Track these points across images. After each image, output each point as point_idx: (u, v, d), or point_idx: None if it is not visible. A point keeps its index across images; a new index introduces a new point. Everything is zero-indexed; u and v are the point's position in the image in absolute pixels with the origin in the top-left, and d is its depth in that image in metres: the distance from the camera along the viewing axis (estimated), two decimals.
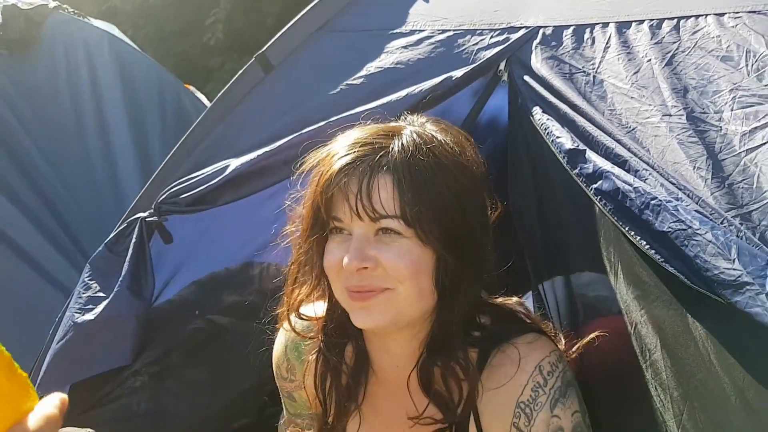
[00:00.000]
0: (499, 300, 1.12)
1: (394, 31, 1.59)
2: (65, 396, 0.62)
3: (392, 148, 0.97)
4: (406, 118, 1.09)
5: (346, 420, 1.07)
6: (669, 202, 1.01)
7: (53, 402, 0.62)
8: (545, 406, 0.99)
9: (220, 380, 1.50)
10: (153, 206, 1.56)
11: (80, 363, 1.50)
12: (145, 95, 3.21)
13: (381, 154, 0.97)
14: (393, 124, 1.07)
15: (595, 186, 1.12)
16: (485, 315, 1.06)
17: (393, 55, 1.55)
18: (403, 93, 1.42)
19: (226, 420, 1.51)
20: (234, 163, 1.48)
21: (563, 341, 1.14)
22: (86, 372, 1.50)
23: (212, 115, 1.67)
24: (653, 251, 1.00)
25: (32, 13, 3.17)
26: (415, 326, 1.03)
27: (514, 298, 1.14)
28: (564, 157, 1.18)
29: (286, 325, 1.09)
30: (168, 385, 1.51)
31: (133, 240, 1.53)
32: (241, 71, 1.67)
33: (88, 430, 1.44)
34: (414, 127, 1.03)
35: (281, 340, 1.19)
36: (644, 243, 1.02)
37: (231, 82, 1.67)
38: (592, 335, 1.13)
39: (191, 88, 3.67)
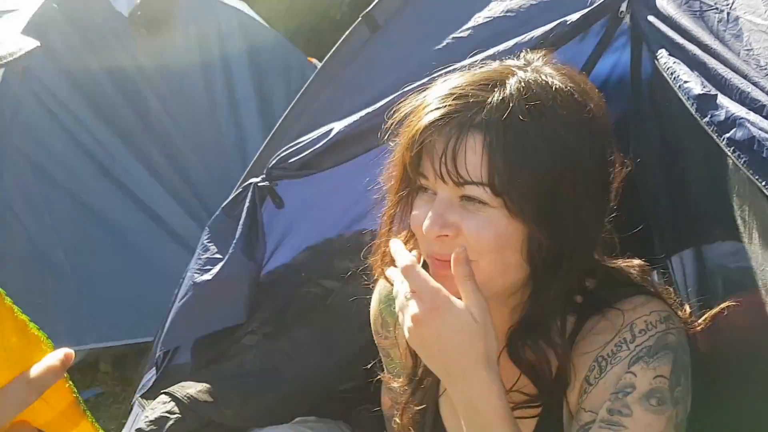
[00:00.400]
0: (618, 262, 1.01)
1: None
2: (71, 351, 0.64)
3: (490, 103, 0.86)
4: (523, 58, 0.96)
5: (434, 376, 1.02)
6: None
7: (57, 355, 0.64)
8: (624, 361, 0.89)
9: (328, 343, 1.52)
10: (264, 171, 1.59)
11: (199, 321, 1.58)
12: (271, 68, 3.32)
13: (475, 110, 0.86)
14: (502, 67, 0.93)
15: (727, 135, 0.98)
16: (594, 278, 0.96)
17: (503, 3, 1.45)
18: (511, 42, 1.31)
19: (334, 381, 1.53)
20: (337, 127, 1.47)
21: (688, 310, 1.00)
22: (204, 329, 1.58)
23: (319, 79, 1.66)
24: None
25: None
26: (502, 298, 0.95)
27: (636, 261, 1.01)
28: (693, 104, 1.05)
29: (381, 280, 1.06)
30: (280, 345, 1.55)
31: (246, 204, 1.58)
32: (347, 32, 1.64)
33: (205, 384, 1.52)
34: (526, 74, 0.89)
35: (376, 295, 1.16)
36: None
37: (337, 44, 1.64)
38: (724, 305, 0.99)
39: (314, 61, 3.74)
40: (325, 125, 1.54)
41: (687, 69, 1.09)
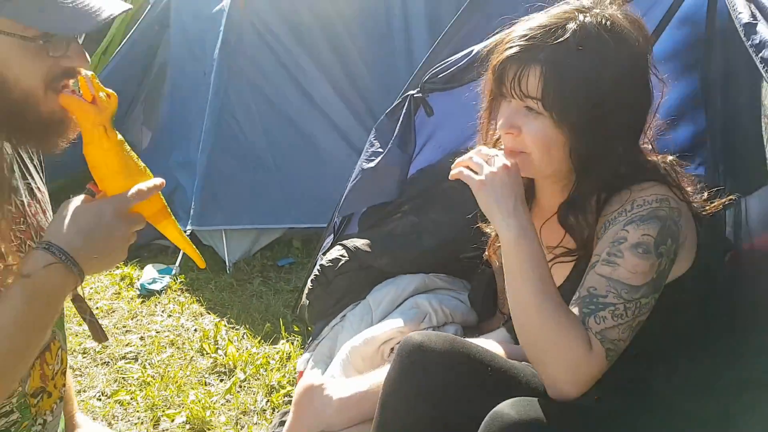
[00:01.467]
0: (655, 157, 1.32)
1: None
2: (162, 180, 1.08)
3: (547, 43, 1.19)
4: (589, 1, 1.27)
5: None
6: None
7: (156, 180, 1.08)
8: (620, 222, 1.21)
9: (453, 220, 1.95)
10: (419, 85, 2.05)
11: (365, 196, 2.11)
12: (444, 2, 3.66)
13: (538, 48, 1.20)
14: (570, 11, 1.24)
15: (761, 55, 1.24)
16: (629, 165, 1.28)
17: None
18: None
19: (458, 248, 1.97)
20: (476, 48, 1.86)
21: (704, 197, 1.31)
22: (368, 202, 2.12)
23: (469, 8, 2.05)
24: None
25: None
26: (553, 180, 1.32)
27: (670, 157, 1.32)
28: (742, 30, 1.30)
29: None
30: (420, 219, 2.04)
31: (404, 111, 2.05)
32: None
33: (366, 240, 2.06)
34: (585, 18, 1.21)
35: None
36: None
37: None
38: (731, 197, 1.29)
39: None
40: (469, 48, 1.94)
41: (745, 2, 1.34)
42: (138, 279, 3.04)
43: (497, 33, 1.76)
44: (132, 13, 4.83)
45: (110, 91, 1.08)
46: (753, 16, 1.31)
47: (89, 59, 1.08)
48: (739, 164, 1.62)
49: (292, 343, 2.46)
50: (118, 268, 3.15)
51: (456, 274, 2.04)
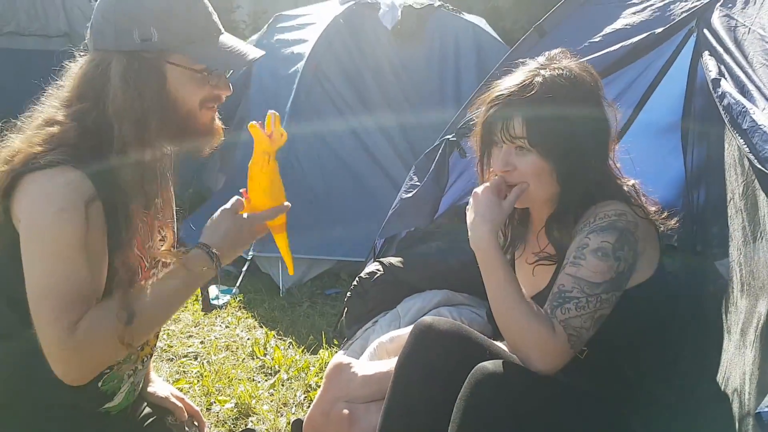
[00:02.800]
0: (619, 180, 1.57)
1: (630, 2, 2.10)
2: (289, 204, 1.45)
3: (522, 97, 1.48)
4: (546, 57, 1.57)
5: (510, 244, 1.71)
6: (751, 109, 1.41)
7: (287, 203, 1.46)
8: (584, 231, 1.45)
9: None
10: (455, 131, 2.40)
11: (403, 222, 2.45)
12: (491, 64, 4.07)
13: (517, 103, 1.49)
14: (533, 70, 1.53)
15: (722, 104, 1.54)
16: (599, 186, 1.53)
17: (624, 19, 2.07)
18: (617, 45, 1.95)
19: (478, 271, 2.25)
20: None
21: (662, 215, 1.57)
22: (406, 227, 2.45)
23: (499, 72, 2.41)
24: (743, 143, 1.41)
25: (423, 11, 4.32)
26: (545, 201, 1.57)
27: (631, 181, 1.58)
28: (711, 84, 1.61)
29: None
30: (447, 243, 2.35)
31: (440, 151, 2.40)
32: (521, 39, 2.38)
33: (400, 258, 2.37)
34: (545, 71, 1.50)
35: None
36: (739, 137, 1.42)
37: (511, 48, 2.38)
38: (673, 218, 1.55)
39: None
40: None
41: (715, 63, 1.65)
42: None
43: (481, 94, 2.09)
44: None
45: (284, 131, 1.43)
46: (720, 73, 1.62)
47: (231, 89, 1.43)
48: (709, 230, 1.85)
49: (331, 353, 2.76)
50: None
51: (477, 293, 2.31)
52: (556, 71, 1.52)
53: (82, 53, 1.39)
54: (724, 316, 1.53)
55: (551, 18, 2.35)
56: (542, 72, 1.52)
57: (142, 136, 1.32)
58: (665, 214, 1.58)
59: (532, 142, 1.49)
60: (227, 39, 1.42)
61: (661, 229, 1.56)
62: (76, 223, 1.24)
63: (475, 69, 4.11)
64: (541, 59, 1.58)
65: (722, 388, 1.50)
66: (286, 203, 1.46)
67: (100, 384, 1.42)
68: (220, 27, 1.43)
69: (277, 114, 1.43)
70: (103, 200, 1.28)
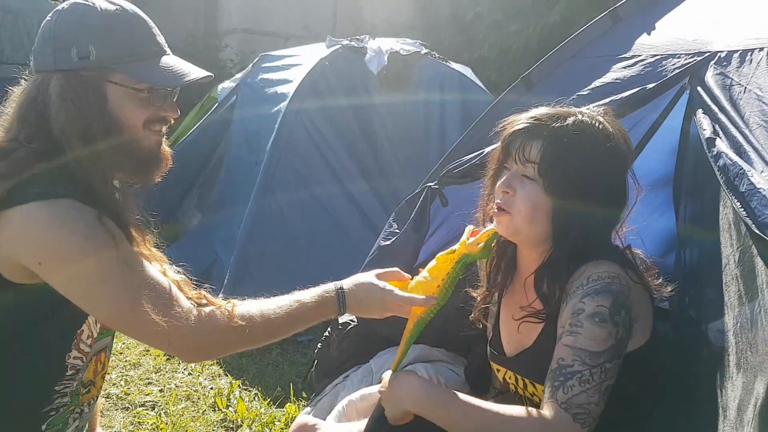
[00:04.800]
0: (615, 244, 1.49)
1: (620, 56, 2.06)
2: (430, 300, 1.45)
3: (551, 126, 1.42)
4: (588, 108, 1.53)
5: (496, 290, 1.62)
6: (749, 171, 1.34)
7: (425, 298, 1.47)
8: (578, 295, 1.35)
9: (455, 302, 2.11)
10: (437, 178, 2.32)
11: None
12: (476, 113, 4.05)
13: (542, 128, 1.43)
14: (571, 109, 1.49)
15: (718, 164, 1.47)
16: (597, 244, 1.44)
17: (614, 73, 2.02)
18: (607, 99, 1.89)
19: (457, 327, 2.10)
20: (486, 150, 2.14)
21: (658, 281, 1.47)
22: None
23: (483, 120, 2.35)
24: (740, 206, 1.33)
25: (410, 57, 4.31)
26: (532, 244, 1.47)
27: (638, 251, 1.51)
28: (705, 143, 1.55)
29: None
30: None
31: (421, 199, 2.31)
32: (507, 89, 2.32)
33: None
34: (582, 116, 1.46)
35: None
36: (735, 200, 1.35)
37: (498, 98, 2.33)
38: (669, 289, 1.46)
39: None
40: (481, 149, 2.22)
41: (709, 121, 1.59)
42: None
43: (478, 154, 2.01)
44: (202, 110, 5.41)
45: (482, 246, 1.47)
46: (715, 132, 1.55)
47: (178, 111, 1.40)
48: (702, 293, 1.77)
49: (299, 407, 2.60)
50: None
51: (455, 349, 2.19)
52: (595, 120, 1.45)
53: (26, 78, 1.35)
54: (718, 391, 1.42)
55: (539, 69, 2.31)
56: (579, 113, 1.46)
57: (93, 153, 1.27)
58: (660, 279, 1.48)
59: (541, 171, 1.41)
60: (171, 60, 1.38)
61: (656, 296, 1.47)
62: (107, 242, 1.22)
63: (460, 117, 4.08)
64: (581, 108, 1.53)
65: None
66: (430, 299, 1.47)
67: (44, 427, 1.35)
68: (165, 46, 1.39)
69: (498, 233, 1.47)
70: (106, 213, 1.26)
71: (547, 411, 1.31)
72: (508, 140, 1.48)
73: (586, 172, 1.42)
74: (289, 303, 1.43)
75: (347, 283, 1.53)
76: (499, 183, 1.48)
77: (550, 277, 1.45)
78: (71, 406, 1.39)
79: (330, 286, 1.51)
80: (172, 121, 1.40)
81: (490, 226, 1.51)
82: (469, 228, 1.52)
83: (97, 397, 1.50)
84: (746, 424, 1.27)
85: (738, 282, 1.41)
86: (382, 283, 1.51)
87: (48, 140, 1.28)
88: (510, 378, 1.58)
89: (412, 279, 1.55)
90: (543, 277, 1.47)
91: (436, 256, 1.53)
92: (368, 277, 1.54)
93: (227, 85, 4.77)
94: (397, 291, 1.49)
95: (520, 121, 1.49)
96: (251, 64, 4.57)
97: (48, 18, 1.33)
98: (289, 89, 3.88)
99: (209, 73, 1.41)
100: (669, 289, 1.48)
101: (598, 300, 1.34)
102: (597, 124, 1.45)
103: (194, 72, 1.38)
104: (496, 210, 1.48)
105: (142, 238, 1.38)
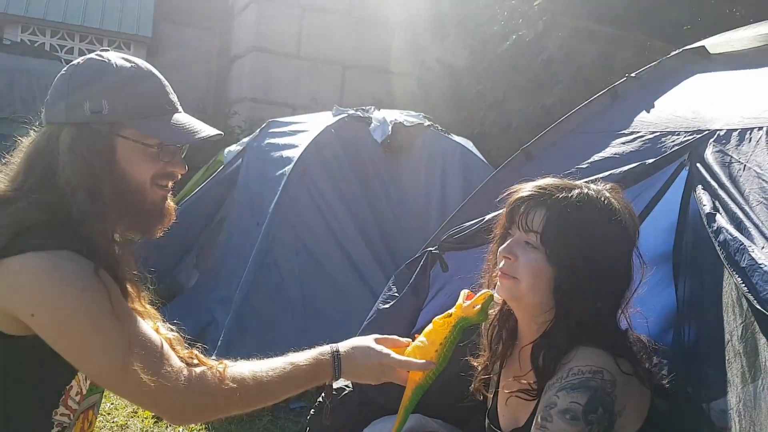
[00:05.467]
0: (616, 331, 1.42)
1: (620, 132, 2.10)
2: (428, 365, 1.44)
3: (556, 196, 1.41)
4: (595, 182, 1.49)
5: (497, 360, 1.58)
6: (749, 246, 1.35)
7: (422, 363, 1.45)
8: (554, 388, 1.32)
9: (453, 370, 2.07)
10: (438, 244, 2.33)
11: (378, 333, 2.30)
12: (476, 184, 4.10)
13: (546, 197, 1.41)
14: (576, 182, 1.48)
15: (718, 239, 1.47)
16: (597, 325, 1.38)
17: (613, 148, 2.06)
18: (606, 173, 1.92)
19: (455, 397, 2.05)
20: (487, 216, 2.16)
21: (653, 370, 1.43)
22: None
23: (484, 189, 2.39)
24: (741, 282, 1.33)
25: (413, 129, 4.42)
26: (532, 314, 1.44)
27: (644, 337, 1.47)
28: (705, 219, 1.56)
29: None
30: None
31: (421, 263, 2.31)
32: (508, 160, 2.37)
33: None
34: (588, 189, 1.42)
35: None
36: (736, 276, 1.35)
37: (498, 168, 2.37)
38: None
39: None
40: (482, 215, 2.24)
41: (709, 197, 1.61)
42: None
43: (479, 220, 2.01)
44: (208, 171, 5.49)
45: (478, 309, 1.45)
46: (715, 208, 1.57)
47: (186, 167, 1.41)
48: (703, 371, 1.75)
49: None
50: None
51: (453, 421, 2.13)
52: (601, 195, 1.43)
53: (35, 129, 1.37)
54: None
55: (538, 142, 2.36)
56: (586, 187, 1.45)
57: (98, 206, 1.27)
58: (656, 365, 1.45)
59: (544, 240, 1.39)
60: (182, 117, 1.39)
61: (648, 387, 1.41)
62: (102, 296, 1.21)
63: (461, 186, 4.14)
64: (585, 182, 1.51)
65: None
66: (428, 365, 1.45)
67: None
68: (177, 104, 1.41)
69: (493, 296, 1.46)
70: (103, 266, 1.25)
71: None
72: (512, 207, 1.47)
73: (587, 245, 1.38)
74: (283, 365, 1.39)
75: (344, 346, 1.51)
76: (501, 248, 1.46)
77: (548, 349, 1.40)
78: None
79: (326, 349, 1.48)
80: (179, 177, 1.41)
81: (485, 290, 1.50)
82: (464, 292, 1.51)
83: None
84: None
85: (741, 359, 1.40)
86: (379, 347, 1.48)
87: (52, 191, 1.28)
88: None
89: (409, 345, 1.53)
90: (540, 349, 1.42)
91: (433, 320, 1.52)
92: (366, 341, 1.52)
93: (234, 148, 4.87)
94: (394, 355, 1.47)
95: (525, 189, 1.48)
96: (259, 129, 4.68)
97: (63, 71, 1.35)
98: (294, 153, 3.95)
99: (220, 132, 1.43)
100: (665, 382, 1.44)
101: (572, 396, 1.29)
102: (602, 199, 1.43)
103: (205, 130, 1.39)
104: (500, 274, 1.47)
105: (138, 294, 1.37)
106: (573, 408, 1.28)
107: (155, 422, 3.01)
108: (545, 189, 1.45)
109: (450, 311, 1.50)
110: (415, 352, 1.48)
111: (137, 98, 1.33)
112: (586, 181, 1.54)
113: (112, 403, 3.16)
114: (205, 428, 2.97)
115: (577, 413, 1.27)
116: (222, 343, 3.32)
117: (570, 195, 1.43)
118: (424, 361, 1.45)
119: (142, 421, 3.02)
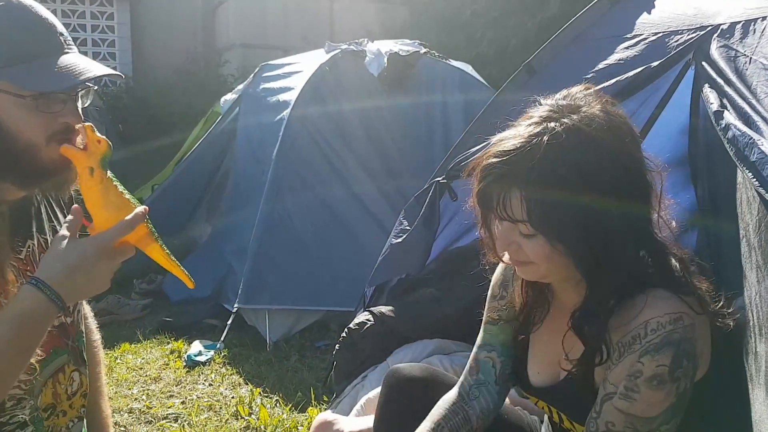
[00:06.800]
0: (671, 250, 1.25)
1: (623, 36, 2.04)
2: (144, 208, 1.14)
3: (527, 165, 1.09)
4: (558, 103, 1.18)
5: (532, 323, 1.38)
6: (759, 140, 1.32)
7: (140, 209, 1.13)
8: (636, 352, 1.15)
9: (471, 293, 2.10)
10: (445, 173, 2.31)
11: (393, 269, 2.33)
12: (479, 109, 4.05)
13: (515, 172, 1.10)
14: (539, 120, 1.14)
15: (726, 136, 1.45)
16: (642, 266, 1.20)
17: (617, 54, 2.00)
18: (613, 80, 1.88)
19: (473, 318, 2.10)
20: (493, 139, 2.13)
21: (721, 303, 1.25)
22: (395, 274, 2.33)
23: (488, 111, 2.35)
24: (752, 176, 1.31)
25: (409, 58, 4.31)
26: (569, 284, 1.25)
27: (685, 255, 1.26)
28: (713, 116, 1.53)
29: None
30: (440, 290, 2.23)
31: (430, 194, 2.31)
32: (510, 78, 2.31)
33: (391, 307, 2.24)
34: (556, 125, 1.10)
35: (501, 267, 1.46)
36: (747, 171, 1.32)
37: (500, 89, 2.32)
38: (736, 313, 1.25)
39: None
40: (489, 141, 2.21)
41: (716, 95, 1.57)
42: (186, 352, 3.26)
43: (483, 145, 1.86)
44: (207, 124, 5.42)
45: (103, 138, 1.17)
46: (722, 105, 1.54)
47: (82, 116, 1.20)
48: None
49: (321, 411, 2.59)
50: (168, 342, 3.42)
51: (473, 342, 2.17)
52: (572, 124, 1.12)
53: None
54: (745, 365, 1.40)
55: (540, 56, 2.30)
56: (551, 126, 1.12)
57: None
58: (722, 302, 1.27)
59: (535, 226, 1.14)
60: (70, 58, 1.17)
61: (719, 324, 1.26)
62: None
63: (463, 112, 4.07)
64: (551, 102, 1.20)
65: None
66: (138, 209, 1.16)
67: None
68: (65, 44, 1.18)
69: (89, 124, 1.17)
70: None
71: None
72: (482, 197, 1.18)
73: (591, 204, 1.13)
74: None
75: (40, 270, 1.13)
76: (498, 244, 1.24)
77: (592, 319, 1.21)
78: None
79: (26, 287, 1.10)
80: (76, 128, 1.18)
81: (79, 124, 1.19)
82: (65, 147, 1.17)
83: (78, 419, 1.36)
84: None
85: (755, 253, 1.39)
86: (72, 242, 1.13)
87: None
88: (540, 404, 1.43)
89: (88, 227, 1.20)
90: (582, 322, 1.23)
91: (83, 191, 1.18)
92: (54, 246, 1.14)
93: (229, 97, 4.79)
94: (91, 236, 1.15)
95: (486, 170, 1.16)
96: (252, 75, 4.59)
97: None
98: (290, 97, 3.89)
99: (114, 72, 1.23)
100: (732, 321, 1.26)
101: (658, 359, 1.15)
102: (578, 131, 1.12)
103: (93, 69, 1.15)
104: (513, 263, 1.26)
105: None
106: (660, 372, 1.14)
107: (187, 372, 3.09)
108: (509, 163, 1.12)
109: (79, 179, 1.17)
110: (101, 223, 1.17)
111: (5, 42, 1.13)
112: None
113: (143, 359, 3.25)
114: (237, 373, 3.05)
115: (664, 376, 1.15)
116: (242, 293, 3.37)
117: (537, 158, 1.10)
118: (130, 216, 1.14)
119: (175, 371, 3.10)
